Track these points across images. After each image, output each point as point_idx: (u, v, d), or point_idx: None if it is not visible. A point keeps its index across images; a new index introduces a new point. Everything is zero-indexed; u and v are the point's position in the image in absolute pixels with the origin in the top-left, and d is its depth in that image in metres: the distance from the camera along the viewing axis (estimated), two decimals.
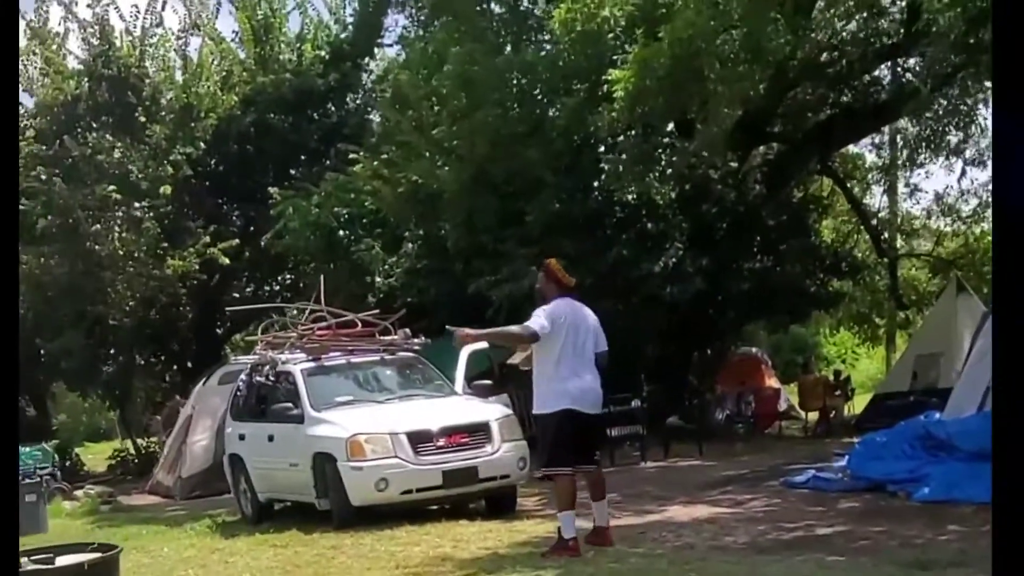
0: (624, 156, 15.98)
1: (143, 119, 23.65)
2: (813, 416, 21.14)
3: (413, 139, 20.00)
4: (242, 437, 13.84)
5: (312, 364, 13.07)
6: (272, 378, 13.45)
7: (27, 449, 20.25)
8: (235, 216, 26.97)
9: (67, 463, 27.12)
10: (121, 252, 22.71)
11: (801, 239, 20.63)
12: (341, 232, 22.36)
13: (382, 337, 13.93)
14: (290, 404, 12.59)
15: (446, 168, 19.03)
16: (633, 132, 16.06)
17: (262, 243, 23.89)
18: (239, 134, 25.19)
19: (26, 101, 24.77)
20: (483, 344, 15.55)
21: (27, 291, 24.40)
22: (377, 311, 14.89)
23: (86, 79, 23.83)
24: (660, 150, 16.65)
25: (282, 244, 22.50)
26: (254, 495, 13.47)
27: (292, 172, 25.65)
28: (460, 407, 12.34)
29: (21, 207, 22.72)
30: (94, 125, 24.19)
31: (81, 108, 23.81)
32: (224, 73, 25.38)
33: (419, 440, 11.37)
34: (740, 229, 19.12)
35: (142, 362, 27.13)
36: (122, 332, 24.42)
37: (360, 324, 14.22)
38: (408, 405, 12.40)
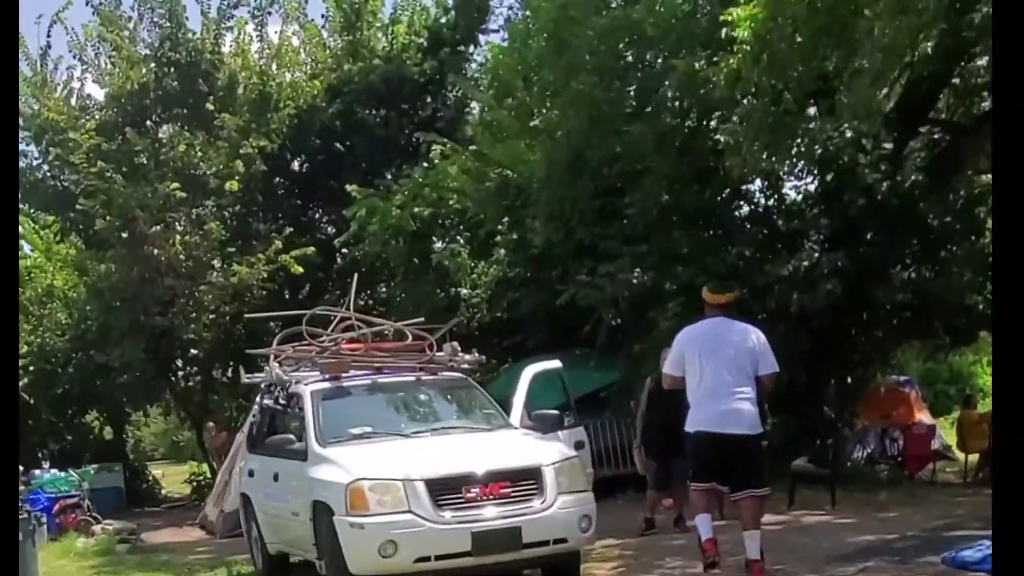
0: (744, 124, 12.35)
1: (212, 108, 21.20)
2: (973, 459, 17.38)
3: (504, 123, 17.13)
4: (251, 473, 11.12)
5: (328, 385, 10.20)
6: (282, 401, 10.65)
7: (61, 475, 17.98)
8: (323, 221, 24.38)
9: (143, 485, 25.36)
10: (183, 257, 20.27)
11: (971, 243, 16.67)
12: (433, 237, 19.58)
13: (433, 353, 11.00)
14: (292, 436, 9.78)
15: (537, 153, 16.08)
16: (758, 97, 12.51)
17: (357, 252, 21.27)
18: (322, 127, 22.55)
19: (97, 94, 22.80)
20: (555, 363, 12.68)
21: (89, 300, 22.29)
22: (421, 319, 11.95)
23: (152, 65, 21.55)
24: (793, 120, 12.88)
25: (359, 250, 19.71)
26: (263, 545, 10.77)
27: (385, 172, 23.00)
28: (507, 446, 9.25)
29: (79, 207, 20.73)
30: (164, 116, 21.94)
31: (149, 98, 21.54)
32: (310, 60, 22.87)
33: (443, 489, 8.38)
34: (893, 228, 15.23)
35: (225, 380, 24.71)
36: (201, 345, 22.00)
37: (410, 336, 11.36)
38: (439, 441, 9.37)
